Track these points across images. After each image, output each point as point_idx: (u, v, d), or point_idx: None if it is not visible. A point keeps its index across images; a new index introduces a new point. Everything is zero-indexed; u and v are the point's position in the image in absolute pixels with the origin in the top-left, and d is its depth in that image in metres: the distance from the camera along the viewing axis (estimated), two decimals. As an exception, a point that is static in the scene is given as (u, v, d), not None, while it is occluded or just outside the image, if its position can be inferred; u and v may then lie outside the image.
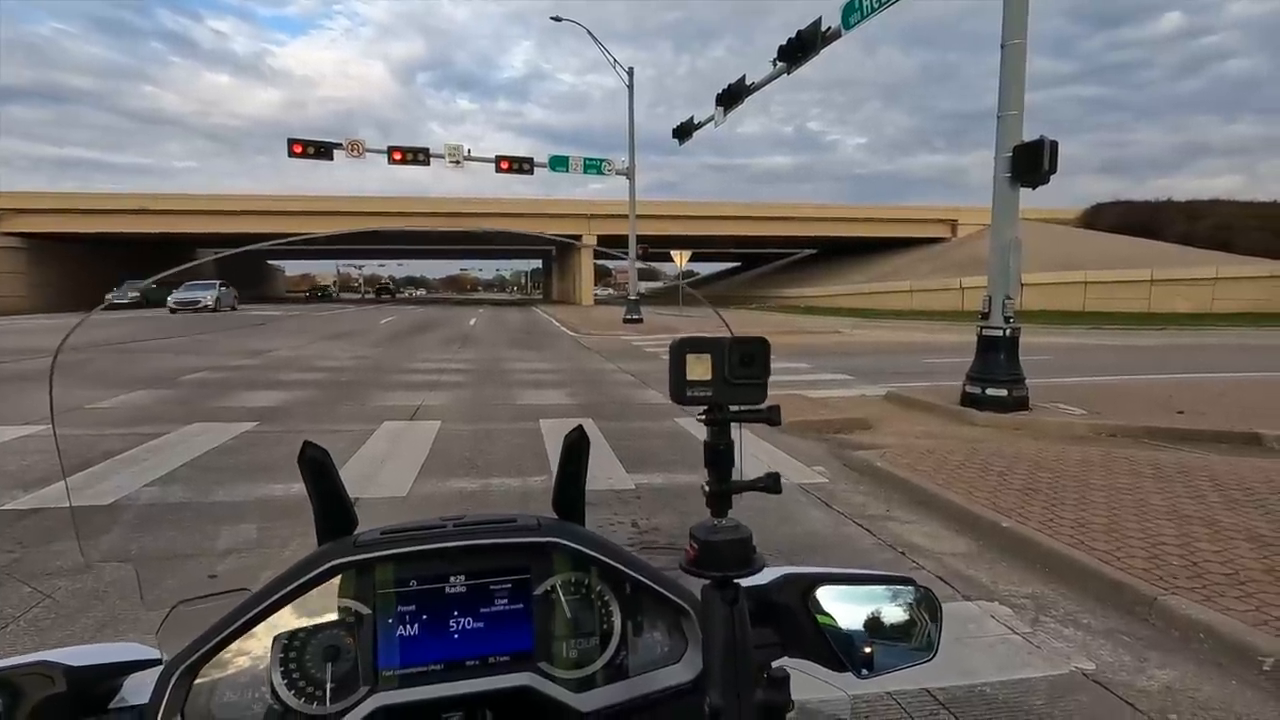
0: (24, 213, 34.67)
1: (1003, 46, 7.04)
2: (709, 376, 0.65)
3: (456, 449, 5.58)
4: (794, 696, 0.73)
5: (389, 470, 4.89)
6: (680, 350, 0.64)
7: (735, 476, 0.67)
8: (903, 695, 2.22)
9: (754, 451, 5.59)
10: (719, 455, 0.65)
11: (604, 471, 4.91)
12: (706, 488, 0.66)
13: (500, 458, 5.35)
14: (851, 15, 11.52)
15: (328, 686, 0.64)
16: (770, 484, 0.65)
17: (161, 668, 0.63)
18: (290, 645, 0.65)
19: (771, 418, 0.66)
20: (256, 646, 0.64)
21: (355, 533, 0.70)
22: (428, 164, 22.50)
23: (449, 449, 5.57)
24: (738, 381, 0.65)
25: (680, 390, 0.65)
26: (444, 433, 6.15)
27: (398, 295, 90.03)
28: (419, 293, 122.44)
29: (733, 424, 0.66)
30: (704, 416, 0.66)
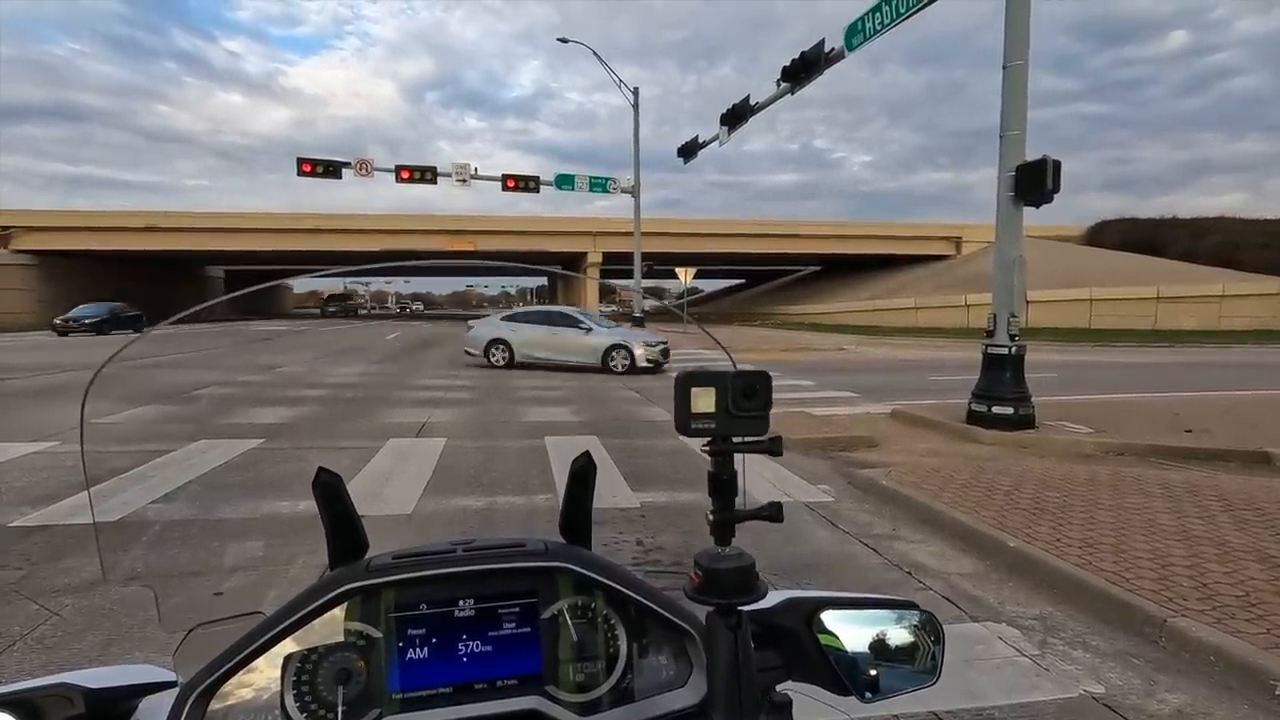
0: (35, 230, 35.12)
1: (1005, 68, 7.11)
2: (713, 409, 0.66)
3: (462, 466, 5.59)
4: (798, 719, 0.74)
5: (394, 487, 4.89)
6: (685, 384, 0.66)
7: (739, 505, 0.69)
8: (910, 718, 2.20)
9: (759, 470, 5.58)
10: (723, 485, 0.67)
11: (609, 489, 4.90)
12: (711, 516, 0.67)
13: (505, 475, 5.35)
14: (854, 37, 11.65)
15: (339, 709, 0.65)
16: (773, 513, 0.67)
17: (177, 690, 0.65)
18: (303, 668, 0.66)
19: (773, 449, 0.67)
20: (270, 669, 0.65)
21: (367, 556, 0.71)
22: (435, 182, 22.74)
23: (454, 466, 5.58)
24: (740, 414, 0.67)
25: (685, 422, 0.66)
26: (449, 450, 6.16)
27: (359, 312, 69.65)
28: (417, 307, 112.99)
29: (736, 454, 0.68)
30: (708, 448, 0.68)
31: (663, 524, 4.24)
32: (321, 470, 0.68)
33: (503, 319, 14.26)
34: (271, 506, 4.38)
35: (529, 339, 13.71)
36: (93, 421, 7.16)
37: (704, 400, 0.66)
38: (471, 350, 14.04)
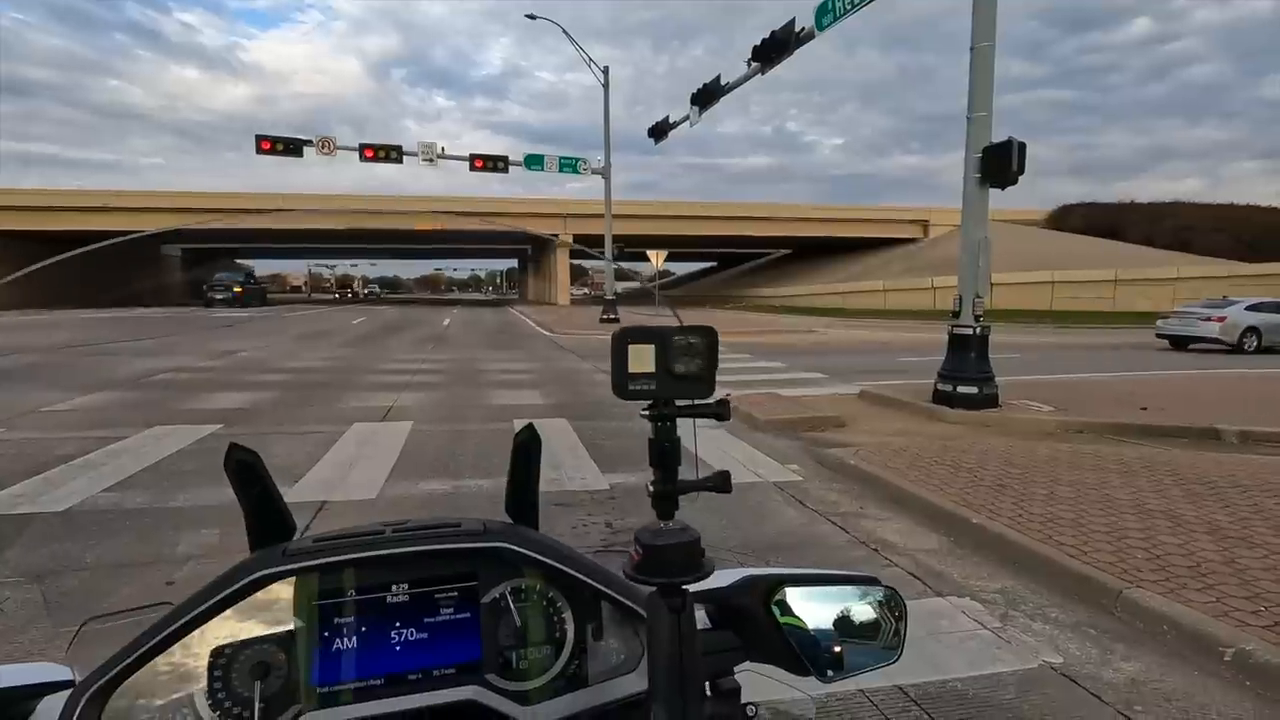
0: (-21, 210, 33.58)
1: (972, 49, 7.13)
2: (652, 369, 0.61)
3: (429, 450, 5.49)
4: (757, 698, 0.70)
5: (359, 472, 4.79)
6: (622, 340, 0.61)
7: (696, 475, 0.64)
8: (875, 693, 2.21)
9: (728, 449, 5.59)
10: (665, 454, 0.62)
11: (578, 471, 4.87)
12: (651, 488, 0.63)
13: (473, 459, 5.27)
14: (824, 17, 11.61)
15: (256, 706, 0.59)
16: (720, 483, 0.62)
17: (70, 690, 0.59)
18: (215, 663, 0.60)
19: (720, 413, 0.63)
20: (178, 665, 0.60)
21: (291, 541, 0.66)
22: (400, 162, 22.19)
23: (421, 450, 5.48)
24: (683, 375, 0.62)
25: (622, 383, 0.61)
26: (416, 434, 6.05)
27: (264, 298, 41.39)
28: (367, 291, 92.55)
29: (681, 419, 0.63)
30: (648, 412, 0.63)
31: (633, 505, 4.22)
32: (234, 446, 0.62)
33: (1247, 309, 15.79)
34: (227, 494, 4.20)
35: (1275, 323, 15.77)
36: (43, 409, 6.88)
37: (643, 359, 0.61)
38: (1225, 338, 15.21)
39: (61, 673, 0.67)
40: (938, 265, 32.86)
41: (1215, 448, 5.79)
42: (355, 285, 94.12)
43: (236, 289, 35.73)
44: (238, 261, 69.01)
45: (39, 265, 0.70)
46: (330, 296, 75.62)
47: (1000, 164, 6.94)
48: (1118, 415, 6.75)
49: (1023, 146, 6.88)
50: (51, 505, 4.01)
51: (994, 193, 7.24)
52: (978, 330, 7.21)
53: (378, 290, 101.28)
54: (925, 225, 44.50)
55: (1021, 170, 6.91)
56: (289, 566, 0.61)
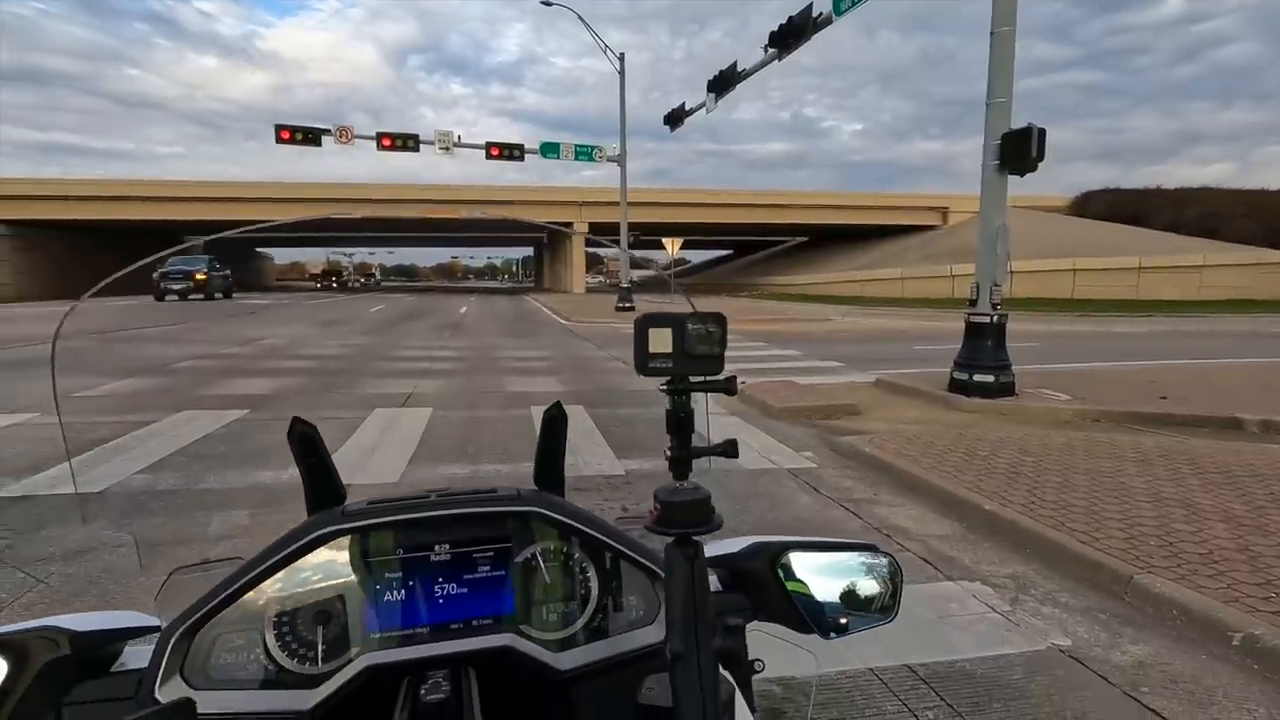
0: (5, 199, 34.22)
1: (992, 34, 7.05)
2: (669, 349, 0.68)
3: (448, 436, 5.61)
4: (764, 657, 0.77)
5: (380, 457, 4.91)
6: (643, 325, 0.68)
7: (706, 442, 0.71)
8: (884, 671, 2.27)
9: (745, 439, 5.65)
10: (680, 423, 0.69)
11: (594, 457, 4.95)
12: (669, 453, 0.70)
13: (491, 444, 5.37)
14: (842, 1, 11.49)
15: (319, 647, 0.67)
16: (728, 449, 0.69)
17: (160, 632, 0.67)
18: (283, 609, 0.68)
19: (729, 388, 0.69)
20: (251, 611, 0.68)
21: (345, 504, 0.73)
22: (417, 150, 22.32)
23: (440, 436, 5.59)
24: (697, 354, 0.68)
25: (643, 362, 0.68)
26: (435, 420, 6.17)
27: (230, 292, 31.89)
28: (364, 279, 74.59)
29: (699, 394, 0.70)
30: (665, 387, 0.70)
31: (648, 490, 4.28)
32: (296, 420, 0.70)
33: None
34: (256, 476, 4.38)
35: None
36: (73, 395, 7.09)
37: (661, 341, 0.68)
38: None
39: (146, 620, 0.75)
40: (956, 253, 32.47)
41: (1236, 437, 5.74)
42: (333, 275, 65.51)
43: (198, 278, 28.50)
44: (257, 250, 69.36)
45: (135, 266, 0.77)
46: (346, 286, 60.02)
47: (1019, 150, 6.87)
48: (1136, 404, 6.71)
49: (1042, 133, 6.81)
50: (87, 486, 4.18)
51: (1015, 179, 7.17)
52: (995, 318, 7.18)
53: (377, 277, 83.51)
54: (945, 212, 43.95)
55: (1041, 157, 6.84)
56: (348, 525, 0.69)
